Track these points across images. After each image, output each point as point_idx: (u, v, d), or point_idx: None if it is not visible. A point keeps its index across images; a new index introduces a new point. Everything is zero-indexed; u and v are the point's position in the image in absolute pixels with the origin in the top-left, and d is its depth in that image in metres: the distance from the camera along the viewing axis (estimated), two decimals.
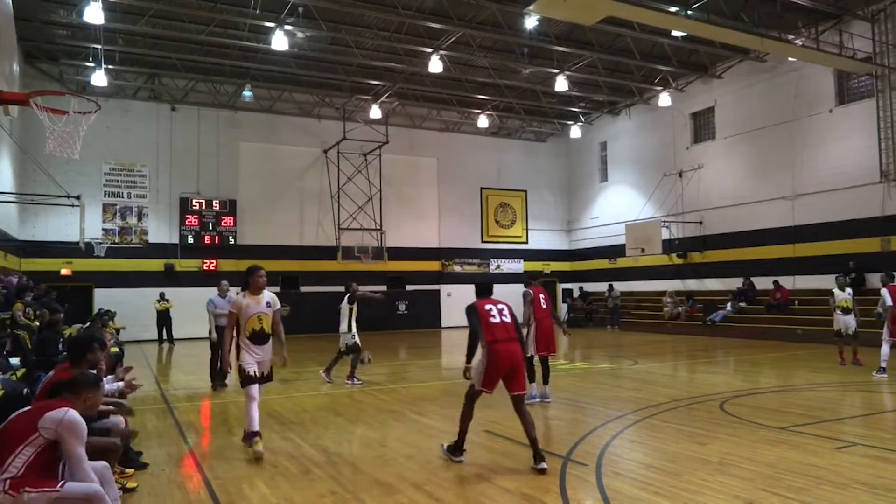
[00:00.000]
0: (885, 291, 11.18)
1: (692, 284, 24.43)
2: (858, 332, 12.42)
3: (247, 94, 23.56)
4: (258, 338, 6.53)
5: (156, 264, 22.89)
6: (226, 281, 11.70)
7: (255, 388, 6.53)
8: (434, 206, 28.24)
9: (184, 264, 23.38)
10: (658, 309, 24.35)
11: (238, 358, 6.56)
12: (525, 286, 9.46)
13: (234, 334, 6.59)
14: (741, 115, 22.51)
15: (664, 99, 24.15)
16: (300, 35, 19.05)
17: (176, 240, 23.37)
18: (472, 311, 6.16)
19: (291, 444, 6.92)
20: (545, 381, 9.37)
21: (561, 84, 22.31)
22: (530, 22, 18.59)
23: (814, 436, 6.78)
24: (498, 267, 29.04)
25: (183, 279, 23.02)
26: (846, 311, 12.29)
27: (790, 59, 19.42)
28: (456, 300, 26.56)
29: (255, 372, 6.51)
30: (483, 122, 27.10)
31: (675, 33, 18.84)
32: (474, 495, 5.05)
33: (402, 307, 26.94)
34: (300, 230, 25.49)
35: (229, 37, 19.14)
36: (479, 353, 6.01)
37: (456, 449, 6.08)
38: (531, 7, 15.31)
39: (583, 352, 17.36)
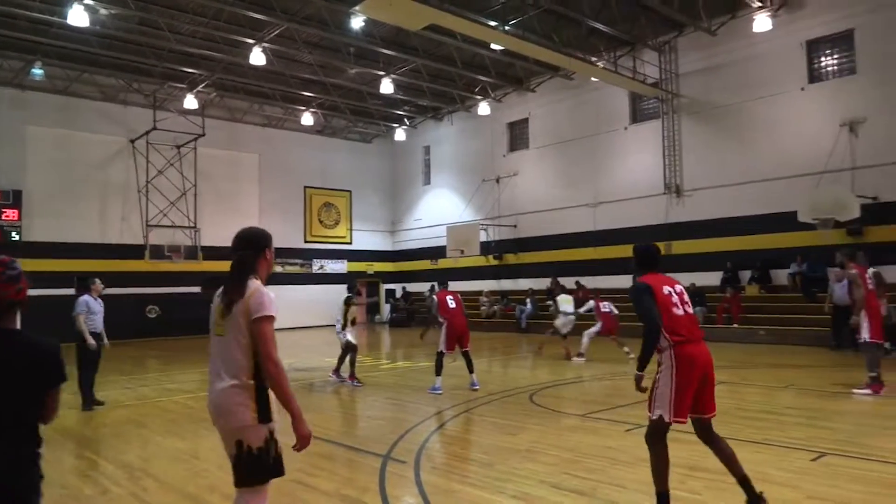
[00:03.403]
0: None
1: (507, 284, 25.89)
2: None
3: (36, 72, 20.84)
4: None
5: None
6: (98, 279, 9.74)
7: None
8: (255, 203, 27.11)
9: None
10: (476, 308, 25.47)
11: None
12: (430, 292, 9.80)
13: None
14: (551, 127, 24.31)
15: (483, 108, 25.41)
16: (103, 11, 17.32)
17: None
18: (644, 293, 4.20)
19: (86, 461, 6.27)
20: (470, 370, 10.18)
21: (386, 86, 22.57)
22: (357, 22, 18.58)
23: (608, 420, 7.51)
24: (321, 267, 28.64)
25: None
26: (566, 314, 14.87)
27: (593, 79, 21.34)
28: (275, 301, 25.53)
29: None
30: (308, 119, 26.56)
31: (493, 46, 19.88)
32: (292, 501, 4.92)
33: None
34: (101, 226, 23.12)
35: (15, 6, 16.87)
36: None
37: None
38: (357, 7, 15.34)
39: (404, 351, 17.67)
